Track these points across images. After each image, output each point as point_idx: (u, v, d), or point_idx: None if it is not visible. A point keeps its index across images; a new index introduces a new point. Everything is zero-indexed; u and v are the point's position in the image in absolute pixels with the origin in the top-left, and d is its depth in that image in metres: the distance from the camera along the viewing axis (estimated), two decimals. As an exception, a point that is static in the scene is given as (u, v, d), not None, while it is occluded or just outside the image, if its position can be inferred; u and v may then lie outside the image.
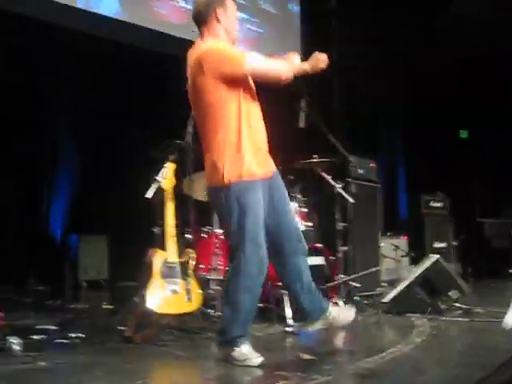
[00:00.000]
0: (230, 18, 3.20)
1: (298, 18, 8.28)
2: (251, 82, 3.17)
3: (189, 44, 3.29)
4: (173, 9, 6.78)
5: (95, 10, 6.12)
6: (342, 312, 3.33)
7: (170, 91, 6.85)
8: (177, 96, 6.08)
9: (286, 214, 3.23)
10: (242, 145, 3.01)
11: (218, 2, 3.17)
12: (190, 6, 6.16)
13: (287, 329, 4.03)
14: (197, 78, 3.04)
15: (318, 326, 3.24)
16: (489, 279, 7.72)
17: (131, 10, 6.45)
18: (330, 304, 3.36)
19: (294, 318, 4.09)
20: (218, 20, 3.15)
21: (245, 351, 2.99)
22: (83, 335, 3.88)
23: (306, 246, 3.27)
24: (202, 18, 3.18)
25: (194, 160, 4.16)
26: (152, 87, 7.00)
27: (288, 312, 4.14)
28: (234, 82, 3.02)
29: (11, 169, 6.28)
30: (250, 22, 7.42)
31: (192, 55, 3.11)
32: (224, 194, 3.01)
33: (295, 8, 8.29)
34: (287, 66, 3.09)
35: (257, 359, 2.97)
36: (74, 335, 3.87)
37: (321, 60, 3.15)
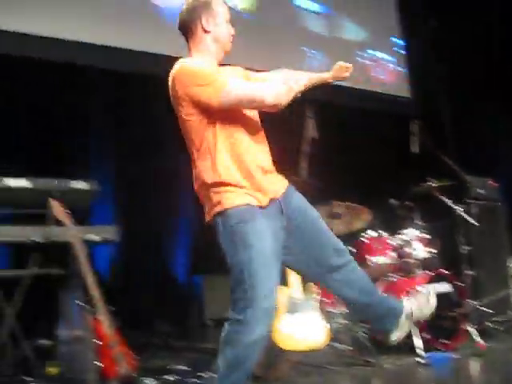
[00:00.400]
0: (219, 25, 2.65)
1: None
2: None
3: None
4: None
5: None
6: (420, 302, 2.72)
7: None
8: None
9: (314, 228, 2.64)
10: (230, 173, 2.48)
11: (203, 6, 2.63)
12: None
13: (418, 359, 3.91)
14: (173, 100, 2.57)
15: (400, 332, 2.65)
16: None
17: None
18: (402, 301, 2.72)
19: (425, 348, 3.98)
20: (204, 30, 2.62)
21: None
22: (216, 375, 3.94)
23: (347, 249, 2.74)
24: (186, 29, 2.66)
25: (310, 195, 4.16)
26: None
27: (418, 342, 4.03)
28: (209, 109, 2.49)
29: (135, 209, 6.53)
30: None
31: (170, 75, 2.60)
32: (218, 230, 2.50)
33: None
34: (276, 90, 2.50)
35: None
36: (206, 375, 3.94)
37: (345, 68, 2.80)
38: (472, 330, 4.48)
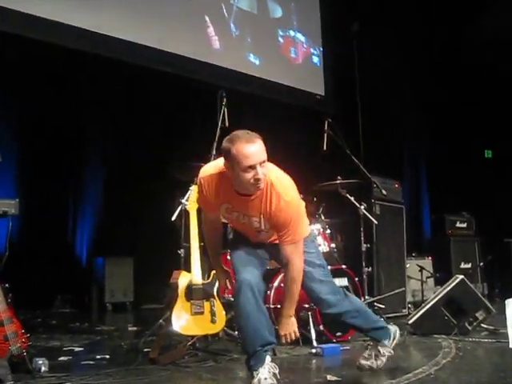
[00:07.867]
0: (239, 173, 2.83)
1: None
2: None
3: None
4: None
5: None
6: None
7: (194, 115, 6.97)
8: (202, 120, 6.19)
9: None
10: None
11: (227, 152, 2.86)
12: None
13: (312, 350, 4.01)
14: None
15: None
16: (516, 300, 7.62)
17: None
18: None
19: (321, 340, 4.10)
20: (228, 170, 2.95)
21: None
22: (108, 356, 3.92)
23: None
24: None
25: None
26: (177, 111, 7.11)
27: (312, 334, 4.14)
28: None
29: (38, 192, 6.39)
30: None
31: None
32: None
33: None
34: None
35: None
36: (99, 356, 3.91)
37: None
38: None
